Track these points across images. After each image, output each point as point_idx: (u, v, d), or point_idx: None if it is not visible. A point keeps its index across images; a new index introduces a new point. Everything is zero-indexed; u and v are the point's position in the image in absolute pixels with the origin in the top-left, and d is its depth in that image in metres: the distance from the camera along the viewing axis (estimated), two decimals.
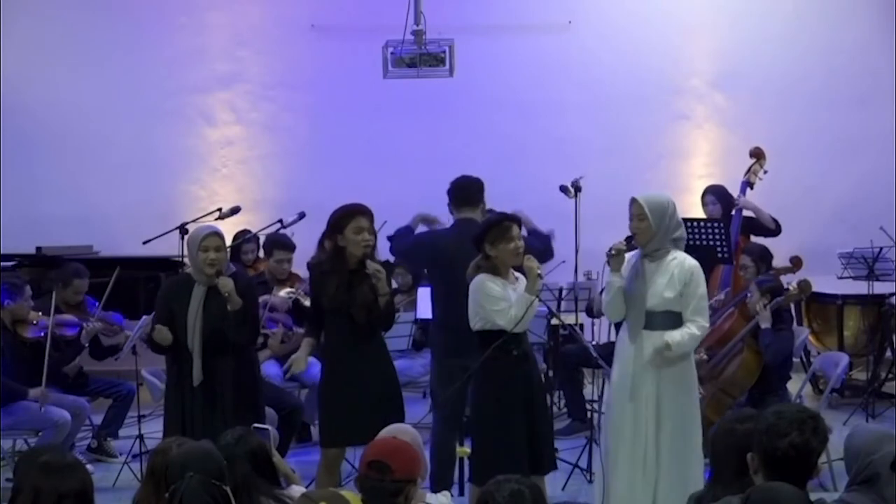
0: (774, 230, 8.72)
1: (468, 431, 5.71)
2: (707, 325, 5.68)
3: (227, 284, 5.74)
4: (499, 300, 5.48)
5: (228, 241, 8.13)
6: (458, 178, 6.44)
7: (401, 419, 5.60)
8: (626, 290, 5.59)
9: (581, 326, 8.14)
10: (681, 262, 5.59)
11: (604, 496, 5.65)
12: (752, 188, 8.57)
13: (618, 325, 5.90)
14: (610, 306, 5.65)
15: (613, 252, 5.56)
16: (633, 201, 5.60)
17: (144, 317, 7.31)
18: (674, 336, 5.49)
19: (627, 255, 5.70)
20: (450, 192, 6.40)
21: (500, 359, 5.52)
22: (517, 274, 5.65)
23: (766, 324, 6.89)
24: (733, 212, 8.45)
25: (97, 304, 7.58)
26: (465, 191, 6.36)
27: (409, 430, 4.49)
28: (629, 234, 5.61)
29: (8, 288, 7.19)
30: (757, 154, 8.61)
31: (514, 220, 5.61)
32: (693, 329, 5.52)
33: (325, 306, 5.87)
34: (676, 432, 5.59)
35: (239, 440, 4.14)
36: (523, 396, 5.58)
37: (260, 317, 6.87)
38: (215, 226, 6.15)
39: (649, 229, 5.55)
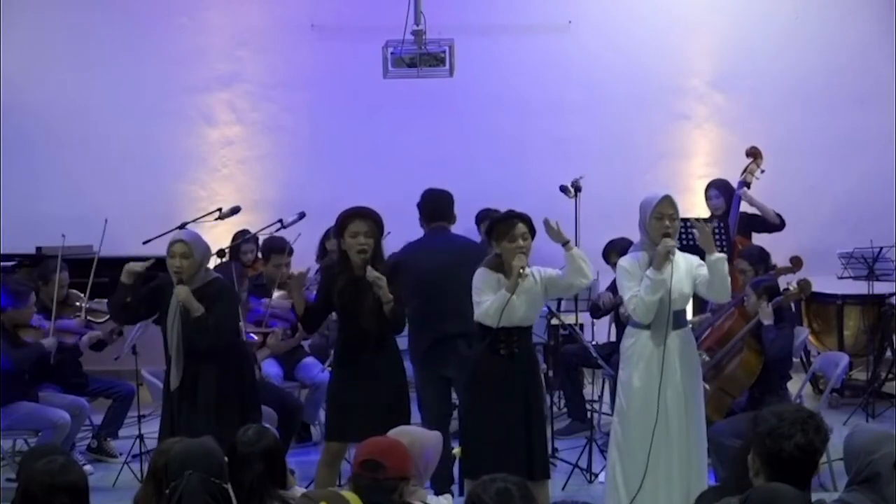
0: (779, 225, 8.72)
1: (459, 430, 5.74)
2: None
3: (180, 292, 5.76)
4: (481, 293, 5.47)
5: (228, 241, 8.19)
6: (427, 192, 6.42)
7: (406, 423, 5.59)
8: None
9: (581, 326, 8.14)
10: (685, 257, 5.66)
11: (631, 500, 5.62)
12: (748, 188, 8.58)
13: (619, 328, 5.89)
14: (655, 306, 5.55)
15: (668, 250, 5.49)
16: (668, 199, 5.56)
17: None
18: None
19: (637, 256, 5.68)
20: (420, 206, 6.38)
21: (486, 356, 5.53)
22: (538, 270, 5.59)
23: (768, 320, 6.87)
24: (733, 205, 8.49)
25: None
26: (436, 206, 6.35)
27: (413, 432, 4.46)
28: (662, 232, 5.55)
29: (12, 293, 7.18)
30: (753, 153, 8.62)
31: (521, 218, 5.54)
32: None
33: (333, 307, 5.88)
34: (699, 428, 5.68)
35: (259, 437, 4.11)
36: (511, 397, 5.51)
37: (262, 315, 6.89)
38: (191, 232, 6.13)
39: (678, 228, 5.61)
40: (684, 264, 5.62)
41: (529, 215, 5.58)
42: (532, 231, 5.52)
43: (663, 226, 5.53)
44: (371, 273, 5.65)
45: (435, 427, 6.12)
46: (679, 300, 5.60)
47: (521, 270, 5.34)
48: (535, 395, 5.62)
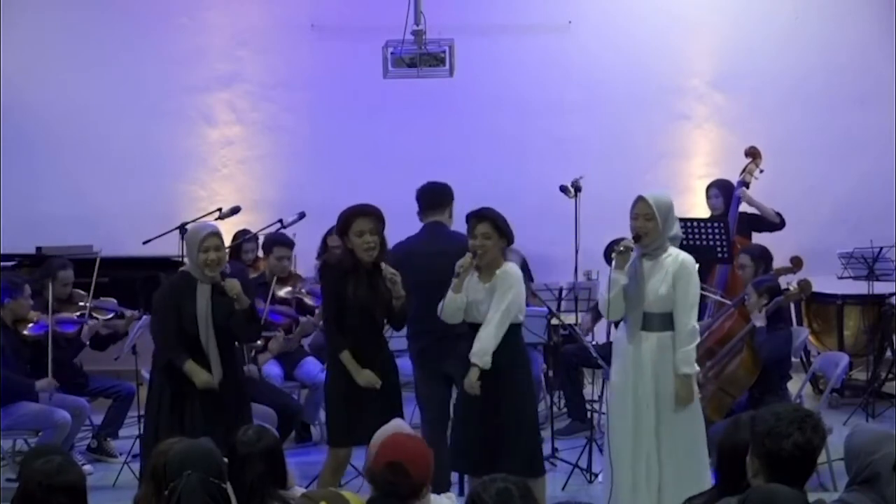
0: (779, 224, 8.72)
1: None
2: (694, 324, 5.61)
3: (234, 286, 5.71)
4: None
5: (228, 241, 8.19)
6: (425, 184, 6.42)
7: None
8: (626, 289, 5.58)
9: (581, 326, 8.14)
10: (675, 257, 5.61)
11: (610, 497, 5.65)
12: (747, 188, 8.58)
13: (616, 324, 5.90)
14: (611, 305, 5.61)
15: (622, 248, 5.54)
16: (641, 200, 5.56)
17: (145, 317, 7.32)
18: (679, 367, 5.52)
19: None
20: (418, 198, 6.38)
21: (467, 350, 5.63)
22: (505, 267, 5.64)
23: (760, 323, 6.89)
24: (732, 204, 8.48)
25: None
26: (432, 195, 6.34)
27: (407, 427, 4.46)
28: (633, 232, 5.59)
29: (7, 286, 7.20)
30: (752, 153, 8.62)
31: (481, 217, 5.60)
32: (684, 347, 5.54)
33: (347, 304, 5.82)
34: (678, 431, 5.60)
35: (259, 437, 4.09)
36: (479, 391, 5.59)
37: (262, 314, 6.87)
38: (214, 224, 6.09)
39: (656, 228, 5.54)
40: (672, 268, 5.56)
41: (495, 216, 5.60)
42: (501, 232, 5.55)
43: (634, 226, 5.58)
44: (388, 270, 5.75)
45: (435, 427, 6.18)
46: (655, 302, 5.57)
47: (459, 270, 5.47)
48: (511, 395, 5.62)
